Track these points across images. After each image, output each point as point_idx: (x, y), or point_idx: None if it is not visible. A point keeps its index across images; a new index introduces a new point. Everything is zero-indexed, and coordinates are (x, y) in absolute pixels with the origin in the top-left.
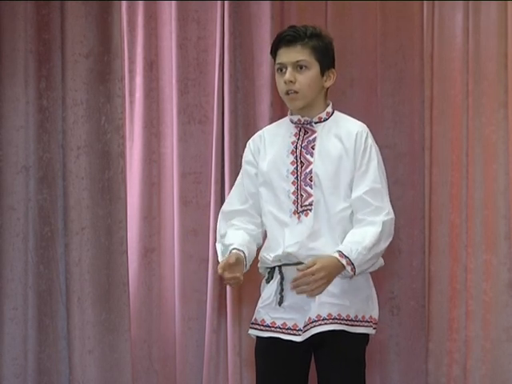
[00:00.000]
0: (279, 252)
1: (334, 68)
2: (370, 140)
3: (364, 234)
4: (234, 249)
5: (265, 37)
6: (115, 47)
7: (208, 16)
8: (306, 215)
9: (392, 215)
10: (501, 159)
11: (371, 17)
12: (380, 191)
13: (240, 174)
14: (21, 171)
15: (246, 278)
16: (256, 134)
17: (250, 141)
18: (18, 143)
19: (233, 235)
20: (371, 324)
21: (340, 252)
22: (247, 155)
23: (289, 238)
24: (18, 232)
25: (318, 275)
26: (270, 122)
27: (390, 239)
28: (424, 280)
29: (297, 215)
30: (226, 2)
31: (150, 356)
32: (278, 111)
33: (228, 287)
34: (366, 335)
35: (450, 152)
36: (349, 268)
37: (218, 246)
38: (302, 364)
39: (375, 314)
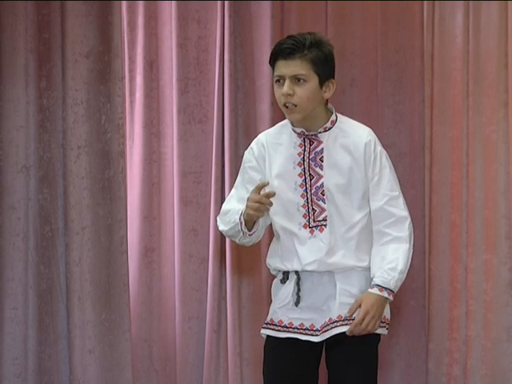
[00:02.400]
0: (297, 268)
1: (333, 78)
2: (379, 147)
3: (395, 256)
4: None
5: (265, 36)
6: (115, 47)
7: (208, 16)
8: (321, 231)
9: (411, 221)
10: (501, 159)
11: (371, 17)
12: (398, 198)
13: (240, 177)
14: (21, 171)
15: (246, 278)
16: (258, 140)
17: (252, 145)
18: (19, 143)
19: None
20: (385, 324)
21: (379, 286)
22: (251, 160)
23: (305, 255)
24: (18, 231)
25: (368, 318)
26: (271, 122)
27: (413, 242)
28: (424, 280)
29: (308, 229)
30: (226, 2)
31: (150, 356)
32: (279, 111)
33: (228, 286)
34: (379, 335)
35: (450, 151)
36: (391, 297)
37: (227, 218)
38: (314, 362)
39: (387, 313)
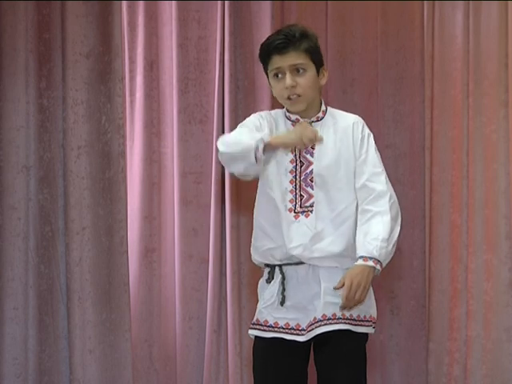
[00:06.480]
0: (283, 249)
1: (323, 65)
2: (367, 129)
3: (376, 228)
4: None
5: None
6: (116, 47)
7: (208, 16)
8: (307, 216)
9: (395, 197)
10: (501, 159)
11: (372, 17)
12: (380, 174)
13: (248, 121)
14: (21, 171)
15: (246, 278)
16: (262, 114)
17: (258, 114)
18: (19, 143)
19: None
20: (371, 323)
21: (363, 257)
22: (255, 121)
23: (290, 239)
24: (18, 232)
25: (354, 287)
26: None
27: (400, 221)
28: (424, 280)
29: (293, 213)
30: (226, 2)
31: (150, 356)
32: None
33: (228, 286)
34: (366, 334)
35: (450, 152)
36: (378, 266)
37: (234, 143)
38: (302, 362)
39: (374, 313)
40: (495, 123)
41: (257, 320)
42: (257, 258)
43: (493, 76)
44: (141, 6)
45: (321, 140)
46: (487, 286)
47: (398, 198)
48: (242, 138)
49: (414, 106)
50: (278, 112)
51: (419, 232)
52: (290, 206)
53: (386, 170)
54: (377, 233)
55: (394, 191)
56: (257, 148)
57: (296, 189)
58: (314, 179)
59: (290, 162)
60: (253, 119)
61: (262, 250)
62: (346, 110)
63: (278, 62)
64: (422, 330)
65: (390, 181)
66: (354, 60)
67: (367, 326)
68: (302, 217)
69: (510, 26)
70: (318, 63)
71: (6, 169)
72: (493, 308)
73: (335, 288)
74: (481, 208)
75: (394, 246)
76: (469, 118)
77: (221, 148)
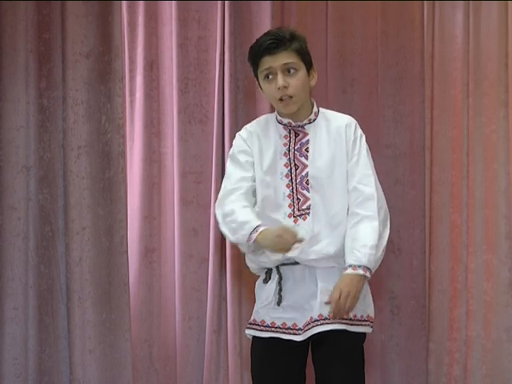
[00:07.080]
0: (278, 256)
1: (313, 66)
2: (360, 131)
3: (363, 234)
4: (258, 226)
5: None
6: (116, 47)
7: (208, 16)
8: (304, 219)
9: (383, 201)
10: (501, 159)
11: (372, 17)
12: (370, 176)
13: (231, 165)
14: (21, 171)
15: (246, 278)
16: (246, 129)
17: (241, 133)
18: (19, 143)
19: (245, 212)
20: (369, 323)
21: (352, 265)
22: (242, 145)
23: None
24: (18, 232)
25: (343, 297)
26: None
27: (389, 224)
28: (424, 280)
29: (293, 218)
30: (226, 2)
31: (150, 356)
32: None
33: (228, 286)
34: (364, 334)
35: (450, 152)
36: (368, 273)
37: (230, 226)
38: (300, 362)
39: (371, 312)
40: (495, 123)
41: (254, 320)
42: (253, 266)
43: (493, 76)
44: (141, 5)
45: (301, 241)
46: (487, 286)
47: (397, 198)
48: (238, 217)
49: (414, 106)
50: (269, 117)
51: (419, 232)
52: (289, 211)
53: (385, 170)
54: (365, 239)
55: (394, 191)
56: (249, 238)
57: (293, 192)
58: (309, 182)
59: (285, 165)
60: (239, 149)
61: (256, 261)
62: (346, 110)
63: (269, 62)
64: (422, 330)
65: (390, 181)
66: (354, 60)
67: (364, 325)
68: (300, 220)
69: (510, 25)
70: (308, 64)
71: (6, 169)
72: (493, 308)
73: (326, 303)
74: (481, 208)
75: (383, 251)
76: (469, 118)
77: (224, 231)
